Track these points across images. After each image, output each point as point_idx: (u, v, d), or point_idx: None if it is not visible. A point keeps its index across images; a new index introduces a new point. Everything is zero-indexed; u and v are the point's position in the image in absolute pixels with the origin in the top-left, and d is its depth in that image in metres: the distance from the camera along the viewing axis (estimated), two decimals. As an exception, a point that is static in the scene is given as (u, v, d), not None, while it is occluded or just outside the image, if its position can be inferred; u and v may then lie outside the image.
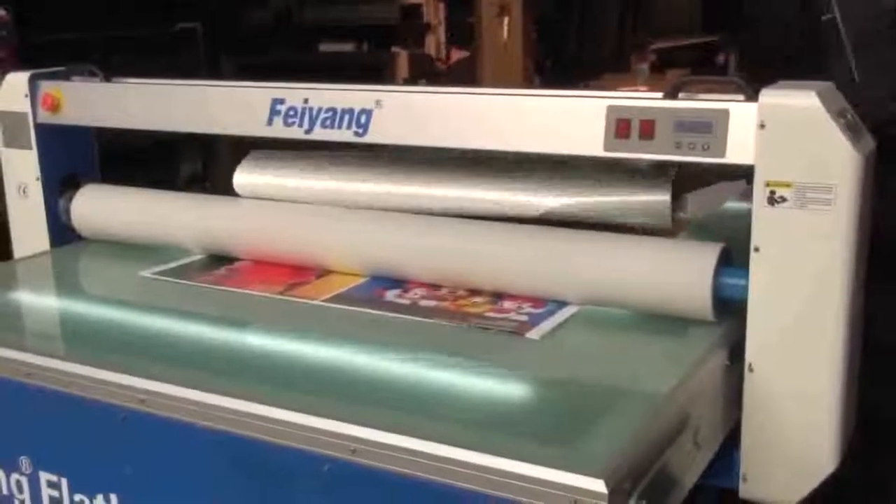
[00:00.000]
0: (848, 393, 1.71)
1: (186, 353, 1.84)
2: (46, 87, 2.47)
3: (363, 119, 2.07)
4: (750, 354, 1.74)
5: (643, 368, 1.73)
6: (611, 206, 2.03)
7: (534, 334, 1.82)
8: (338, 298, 2.04)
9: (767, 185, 1.67)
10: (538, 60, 6.39)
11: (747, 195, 1.81)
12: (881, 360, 2.10)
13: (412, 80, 6.87)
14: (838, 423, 1.70)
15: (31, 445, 1.78)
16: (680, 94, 1.79)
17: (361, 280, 2.12)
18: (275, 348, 1.91)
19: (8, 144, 2.52)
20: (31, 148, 2.48)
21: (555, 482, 1.29)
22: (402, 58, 7.41)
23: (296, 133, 2.14)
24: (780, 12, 6.32)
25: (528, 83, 5.89)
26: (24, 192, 2.52)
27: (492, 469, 1.33)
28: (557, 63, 6.84)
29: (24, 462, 1.78)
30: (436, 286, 2.06)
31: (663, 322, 1.85)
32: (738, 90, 1.73)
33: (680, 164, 1.98)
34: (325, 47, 7.77)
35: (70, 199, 2.49)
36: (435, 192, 2.18)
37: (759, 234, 1.70)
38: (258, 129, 2.20)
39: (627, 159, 1.86)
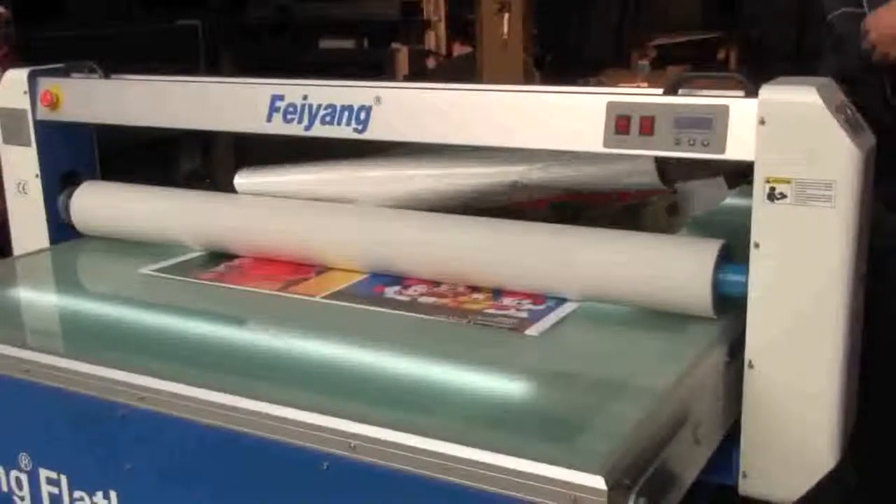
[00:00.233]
0: (848, 389, 1.71)
1: (186, 350, 1.84)
2: (46, 83, 2.46)
3: (362, 115, 2.06)
4: (750, 351, 1.73)
5: (643, 364, 1.73)
6: (594, 172, 2.04)
7: (533, 331, 1.82)
8: (337, 295, 2.03)
9: (767, 181, 1.66)
10: (538, 56, 6.38)
11: (745, 192, 1.81)
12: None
13: (412, 76, 6.88)
14: (838, 420, 1.70)
15: (31, 442, 1.78)
16: (680, 91, 1.78)
17: (361, 277, 2.12)
18: (275, 345, 1.91)
19: (7, 141, 2.52)
20: (30, 145, 2.48)
21: (554, 479, 1.29)
22: (402, 54, 7.41)
23: (295, 129, 2.14)
24: (781, 8, 6.32)
25: (529, 79, 5.89)
26: (23, 189, 2.52)
27: (492, 466, 1.33)
28: (558, 59, 6.83)
29: (24, 459, 1.78)
30: (435, 283, 2.06)
31: (663, 318, 1.85)
32: (738, 86, 1.73)
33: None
34: (325, 44, 7.78)
35: (69, 196, 2.48)
36: (421, 171, 2.24)
37: (758, 231, 1.70)
38: (257, 125, 2.19)
39: (627, 156, 1.86)
